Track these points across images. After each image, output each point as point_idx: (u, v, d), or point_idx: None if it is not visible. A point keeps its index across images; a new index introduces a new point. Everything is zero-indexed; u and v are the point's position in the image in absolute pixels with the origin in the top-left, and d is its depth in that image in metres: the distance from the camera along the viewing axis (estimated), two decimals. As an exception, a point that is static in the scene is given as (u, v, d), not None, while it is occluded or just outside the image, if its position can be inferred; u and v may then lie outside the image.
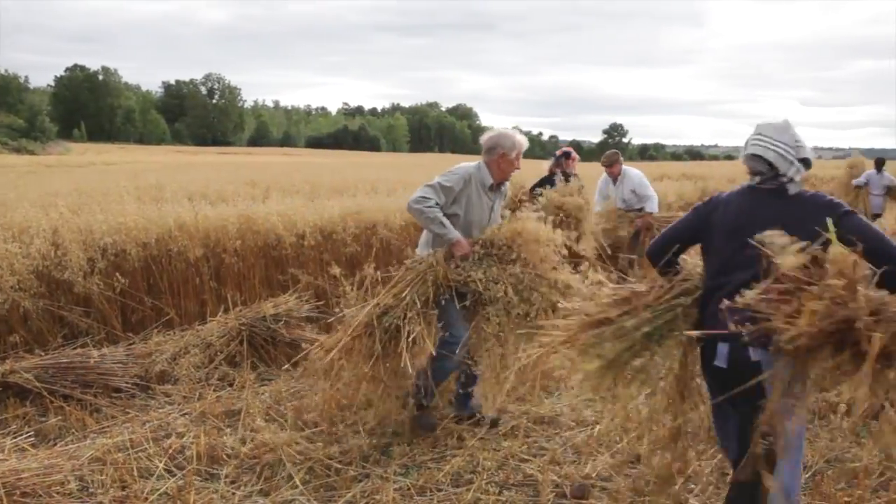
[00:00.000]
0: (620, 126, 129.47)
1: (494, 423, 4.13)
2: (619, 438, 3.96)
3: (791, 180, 2.51)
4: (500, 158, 4.01)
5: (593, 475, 3.54)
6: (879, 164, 11.02)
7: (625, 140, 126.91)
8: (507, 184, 4.25)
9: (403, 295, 3.84)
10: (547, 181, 6.87)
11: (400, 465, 3.66)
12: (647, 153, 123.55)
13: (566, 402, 4.39)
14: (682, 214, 3.06)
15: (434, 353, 3.86)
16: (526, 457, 3.76)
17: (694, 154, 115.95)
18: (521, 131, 4.12)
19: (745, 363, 2.32)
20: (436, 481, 3.48)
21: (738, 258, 2.42)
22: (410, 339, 3.66)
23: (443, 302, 3.88)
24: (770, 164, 2.51)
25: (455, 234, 3.88)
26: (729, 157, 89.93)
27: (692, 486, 3.40)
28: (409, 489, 3.40)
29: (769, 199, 2.52)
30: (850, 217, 2.39)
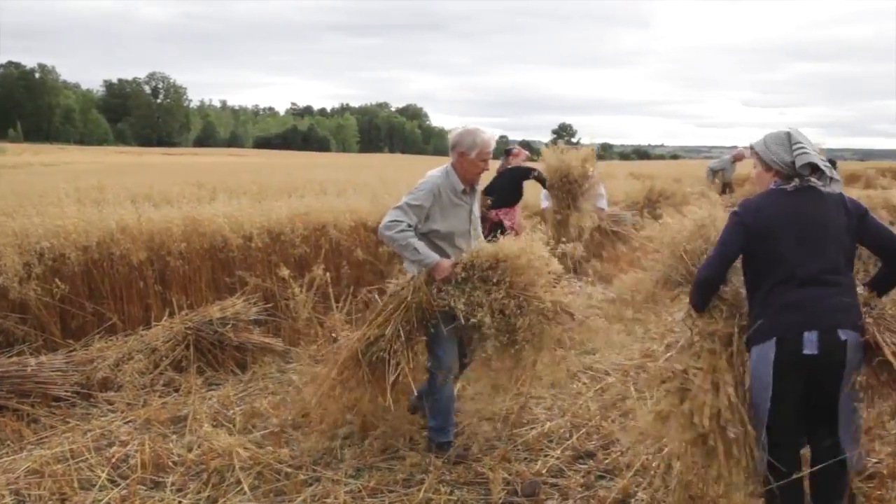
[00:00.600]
0: (569, 126, 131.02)
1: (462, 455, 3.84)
2: (568, 435, 4.01)
3: (832, 180, 2.75)
4: (460, 158, 3.77)
5: (544, 472, 3.58)
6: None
7: (574, 140, 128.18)
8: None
9: (387, 326, 3.61)
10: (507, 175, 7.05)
11: (351, 467, 3.63)
12: (595, 153, 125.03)
13: (516, 401, 4.41)
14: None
15: (426, 385, 3.82)
16: (477, 455, 3.77)
17: (641, 154, 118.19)
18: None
19: (837, 344, 2.57)
20: (387, 482, 3.47)
21: (804, 251, 2.64)
22: (396, 373, 3.52)
23: (432, 330, 3.66)
24: (814, 168, 2.69)
25: (433, 257, 3.59)
26: (675, 157, 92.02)
27: (641, 479, 3.45)
28: (360, 491, 3.38)
29: (813, 198, 2.71)
30: (871, 216, 2.75)
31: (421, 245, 3.61)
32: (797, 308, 2.60)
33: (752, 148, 2.86)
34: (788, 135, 2.73)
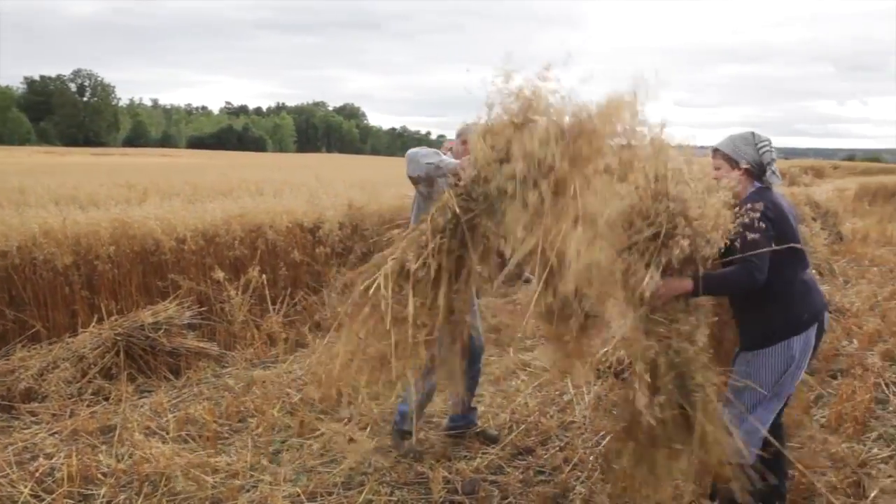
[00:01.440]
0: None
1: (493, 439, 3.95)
2: (507, 431, 4.06)
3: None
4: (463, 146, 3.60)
5: (484, 469, 3.61)
6: None
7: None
8: None
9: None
10: None
11: (290, 471, 3.58)
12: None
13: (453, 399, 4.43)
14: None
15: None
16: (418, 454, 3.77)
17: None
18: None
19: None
20: (327, 485, 3.43)
21: (800, 239, 2.88)
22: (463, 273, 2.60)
23: None
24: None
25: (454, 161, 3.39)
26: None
27: (579, 473, 3.52)
28: (299, 495, 3.34)
29: (779, 194, 2.95)
30: None
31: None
32: (817, 290, 2.90)
33: (715, 149, 2.93)
34: (753, 134, 2.90)
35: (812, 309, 2.82)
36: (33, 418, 4.21)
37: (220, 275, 5.65)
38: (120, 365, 4.79)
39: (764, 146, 2.87)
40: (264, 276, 6.08)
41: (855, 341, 5.56)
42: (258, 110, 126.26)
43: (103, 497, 3.30)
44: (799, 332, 2.77)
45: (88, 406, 4.37)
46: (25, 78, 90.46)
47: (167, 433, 3.99)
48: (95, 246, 5.56)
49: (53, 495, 3.26)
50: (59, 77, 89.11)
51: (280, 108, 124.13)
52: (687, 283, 2.58)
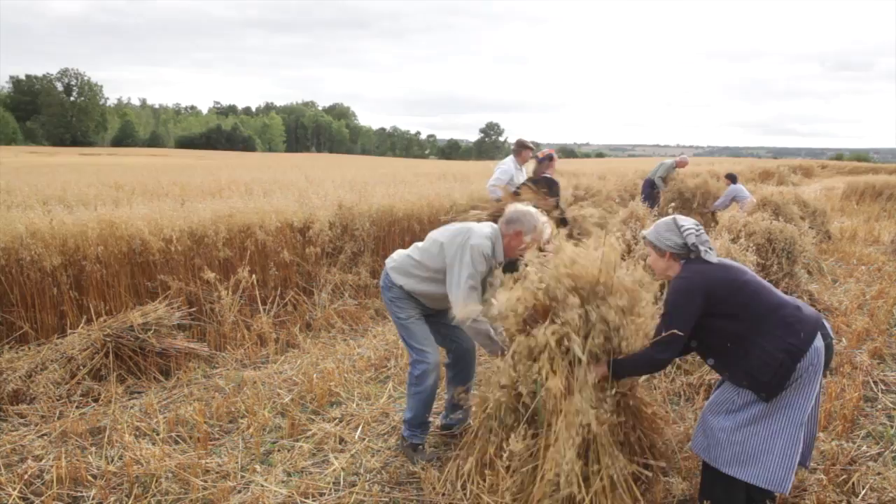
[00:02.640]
0: (497, 125, 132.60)
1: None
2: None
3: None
4: (514, 235, 3.54)
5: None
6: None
7: (501, 138, 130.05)
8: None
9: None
10: (543, 183, 6.88)
11: (281, 471, 3.57)
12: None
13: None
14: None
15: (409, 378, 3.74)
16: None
17: (567, 152, 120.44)
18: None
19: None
20: (318, 486, 3.42)
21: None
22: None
23: (411, 321, 3.66)
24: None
25: (499, 343, 3.41)
26: (600, 155, 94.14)
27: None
28: (291, 496, 3.32)
29: None
30: None
31: (489, 327, 3.45)
32: (799, 307, 2.83)
33: (644, 238, 3.05)
34: (675, 220, 3.00)
35: (807, 327, 2.77)
36: (21, 420, 4.17)
37: (209, 275, 5.63)
38: (109, 366, 4.76)
39: (687, 231, 2.94)
40: (254, 276, 6.06)
41: (844, 340, 5.60)
42: (247, 110, 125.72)
43: (93, 499, 3.27)
44: (804, 352, 2.72)
45: (77, 408, 4.34)
46: (11, 77, 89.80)
47: (157, 434, 3.96)
48: (83, 246, 5.53)
49: (42, 497, 3.23)
50: (45, 76, 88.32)
51: (269, 108, 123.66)
52: (601, 369, 2.91)
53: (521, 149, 7.37)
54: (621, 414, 3.08)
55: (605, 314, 2.96)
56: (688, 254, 2.95)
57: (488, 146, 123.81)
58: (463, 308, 3.38)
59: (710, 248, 2.95)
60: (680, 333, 2.78)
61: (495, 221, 3.74)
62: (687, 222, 2.98)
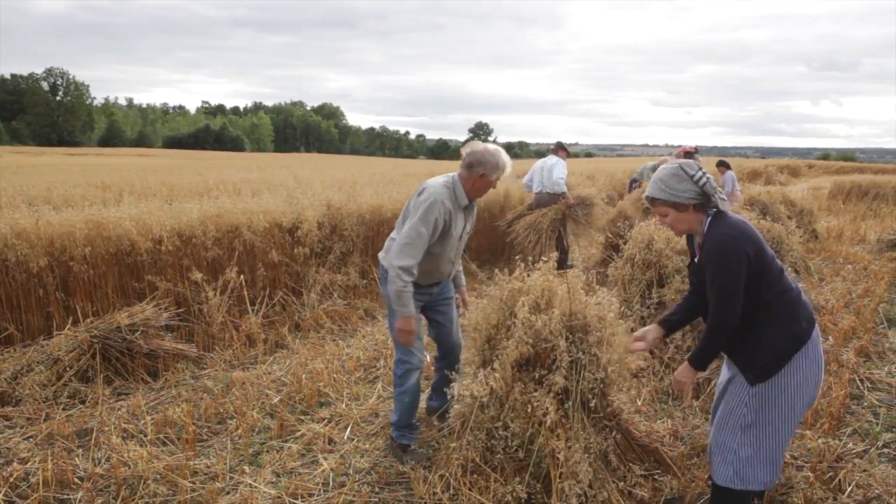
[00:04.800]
0: (486, 125, 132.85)
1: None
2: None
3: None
4: (478, 178, 3.57)
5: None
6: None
7: (490, 138, 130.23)
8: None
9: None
10: None
11: (270, 472, 3.56)
12: (513, 151, 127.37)
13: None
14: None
15: (395, 378, 3.77)
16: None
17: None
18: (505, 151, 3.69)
19: None
20: (308, 487, 3.41)
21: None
22: None
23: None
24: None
25: (411, 310, 3.51)
26: (589, 155, 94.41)
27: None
28: (280, 497, 3.31)
29: None
30: None
31: (409, 299, 3.49)
32: (801, 292, 2.79)
33: (653, 199, 2.78)
34: (681, 167, 2.72)
35: (807, 314, 2.72)
36: (7, 422, 4.13)
37: (197, 276, 5.60)
38: (96, 367, 4.72)
39: (700, 177, 2.71)
40: (242, 276, 6.04)
41: (830, 338, 5.64)
42: (235, 110, 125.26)
43: (80, 501, 3.25)
44: (804, 341, 2.66)
45: (64, 409, 4.31)
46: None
47: (145, 436, 3.94)
48: (70, 247, 5.48)
49: (28, 500, 3.20)
50: (31, 76, 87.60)
51: (258, 108, 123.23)
52: (689, 371, 2.84)
53: (560, 149, 8.99)
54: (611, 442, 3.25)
55: (591, 349, 3.16)
56: (709, 200, 2.72)
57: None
58: (396, 257, 3.45)
59: (723, 196, 2.75)
60: (737, 296, 2.59)
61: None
62: (692, 166, 2.73)
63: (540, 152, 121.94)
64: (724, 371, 2.98)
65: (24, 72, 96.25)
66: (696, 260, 2.91)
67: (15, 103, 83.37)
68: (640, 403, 4.30)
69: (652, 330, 3.15)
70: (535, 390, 3.24)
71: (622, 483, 3.17)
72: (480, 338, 3.57)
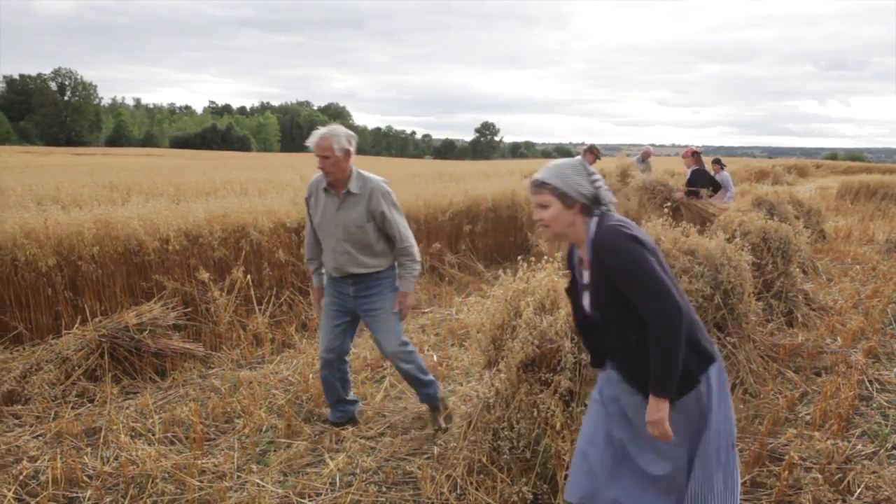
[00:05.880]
0: (492, 125, 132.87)
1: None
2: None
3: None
4: None
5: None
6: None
7: (496, 138, 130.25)
8: (368, 183, 3.74)
9: None
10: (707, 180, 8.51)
11: (277, 471, 3.56)
12: (519, 151, 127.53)
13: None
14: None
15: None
16: (405, 456, 3.76)
17: (563, 152, 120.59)
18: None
19: None
20: (315, 486, 3.42)
21: None
22: None
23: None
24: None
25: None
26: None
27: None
28: (287, 496, 3.32)
29: None
30: None
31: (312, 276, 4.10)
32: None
33: (542, 183, 2.31)
34: (582, 163, 2.37)
35: (703, 331, 2.34)
36: (16, 421, 4.15)
37: (204, 275, 5.62)
38: (104, 366, 4.74)
39: (598, 179, 2.34)
40: (249, 276, 6.05)
41: (839, 339, 5.62)
42: (242, 110, 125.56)
43: (88, 500, 3.26)
44: (713, 359, 2.30)
45: (73, 408, 4.33)
46: (4, 77, 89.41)
47: (153, 435, 3.95)
48: (78, 247, 5.51)
49: (37, 498, 3.22)
50: (39, 76, 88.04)
51: (264, 108, 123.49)
52: (660, 404, 2.19)
53: (588, 152, 9.52)
54: None
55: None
56: (597, 209, 2.32)
57: (484, 146, 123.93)
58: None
59: (613, 211, 2.36)
60: (664, 282, 2.16)
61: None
62: (593, 170, 2.36)
63: (546, 152, 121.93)
64: (602, 390, 2.49)
65: (33, 72, 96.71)
66: (583, 280, 2.40)
67: (23, 103, 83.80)
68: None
69: None
70: (541, 391, 3.25)
71: None
72: (485, 338, 3.59)
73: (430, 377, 4.07)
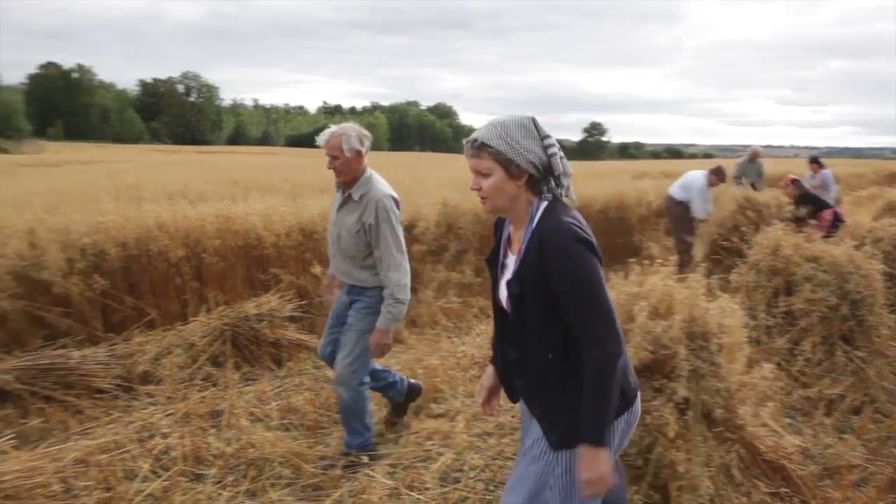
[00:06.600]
0: (600, 125, 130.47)
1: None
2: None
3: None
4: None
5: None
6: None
7: (604, 139, 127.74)
8: (370, 192, 3.53)
9: None
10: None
11: (387, 464, 3.66)
12: (627, 152, 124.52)
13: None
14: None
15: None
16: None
17: (673, 152, 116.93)
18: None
19: None
20: (423, 480, 3.48)
21: None
22: None
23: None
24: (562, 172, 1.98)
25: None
26: (708, 156, 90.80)
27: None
28: (396, 488, 3.40)
29: None
30: None
31: None
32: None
33: (480, 145, 1.90)
34: (534, 121, 1.94)
35: (628, 360, 2.05)
36: (150, 399, 4.47)
37: (318, 269, 5.82)
38: (227, 353, 5.02)
39: (552, 143, 1.93)
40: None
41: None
42: (352, 110, 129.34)
43: (213, 478, 3.47)
44: (631, 402, 2.00)
45: (199, 391, 4.60)
46: (139, 80, 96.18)
47: (271, 420, 4.15)
48: (203, 239, 5.85)
49: (169, 472, 3.45)
50: (169, 79, 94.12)
51: (374, 108, 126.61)
52: (596, 452, 1.84)
53: (712, 174, 8.41)
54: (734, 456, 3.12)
55: (712, 358, 3.07)
56: (547, 183, 1.94)
57: (592, 146, 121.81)
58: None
59: (569, 186, 1.99)
60: (612, 305, 1.86)
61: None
62: (545, 131, 1.95)
63: (656, 153, 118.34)
64: (524, 413, 2.21)
65: (163, 75, 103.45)
66: (506, 262, 2.04)
67: (154, 105, 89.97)
68: (765, 417, 4.10)
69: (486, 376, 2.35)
70: (654, 398, 3.18)
71: (746, 500, 3.05)
72: None
73: (364, 429, 3.72)
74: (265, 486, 3.41)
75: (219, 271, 5.87)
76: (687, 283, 3.45)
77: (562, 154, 1.94)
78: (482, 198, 1.94)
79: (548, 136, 1.91)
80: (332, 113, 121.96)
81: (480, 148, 1.89)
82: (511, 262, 1.98)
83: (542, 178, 1.92)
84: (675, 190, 8.60)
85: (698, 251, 7.90)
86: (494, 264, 2.08)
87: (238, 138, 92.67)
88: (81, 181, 11.84)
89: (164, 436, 3.86)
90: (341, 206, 3.59)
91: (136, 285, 5.55)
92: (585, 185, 11.51)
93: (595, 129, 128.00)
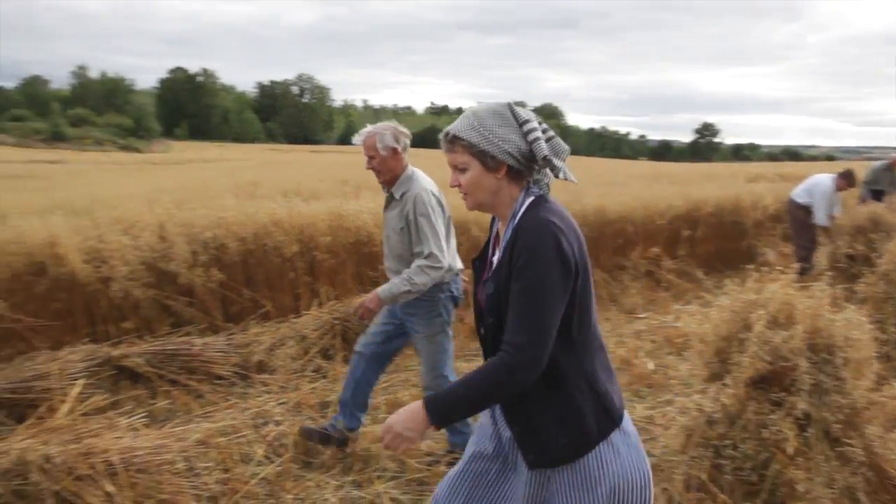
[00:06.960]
0: (712, 125, 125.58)
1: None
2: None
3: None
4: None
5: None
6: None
7: (716, 140, 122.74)
8: (411, 189, 3.43)
9: None
10: None
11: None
12: (741, 153, 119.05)
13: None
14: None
15: None
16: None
17: (791, 154, 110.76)
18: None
19: None
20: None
21: None
22: None
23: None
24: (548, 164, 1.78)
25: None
26: (830, 158, 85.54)
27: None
28: (499, 488, 3.39)
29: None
30: None
31: None
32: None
33: (452, 138, 1.75)
34: (510, 107, 1.75)
35: (615, 380, 1.85)
36: (264, 388, 4.68)
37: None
38: (336, 347, 5.18)
39: (534, 128, 1.72)
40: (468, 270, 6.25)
41: None
42: (459, 110, 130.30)
43: (322, 466, 3.59)
44: (622, 418, 1.80)
45: (309, 382, 4.77)
46: (257, 83, 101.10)
47: (379, 414, 4.25)
48: (315, 236, 6.05)
49: (282, 458, 3.60)
50: (284, 81, 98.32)
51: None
52: (416, 416, 1.68)
53: (841, 178, 7.82)
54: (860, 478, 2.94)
55: (837, 372, 2.91)
56: (532, 174, 1.78)
57: (703, 147, 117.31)
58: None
59: (564, 168, 1.77)
60: (552, 326, 1.64)
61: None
62: (529, 114, 1.75)
63: (772, 154, 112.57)
64: (482, 433, 1.98)
65: (279, 78, 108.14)
66: (493, 259, 1.88)
67: (270, 106, 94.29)
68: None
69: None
70: (772, 412, 3.03)
71: None
72: (709, 350, 3.41)
73: (465, 428, 3.62)
74: (371, 477, 3.49)
75: (330, 267, 6.06)
76: (809, 293, 3.27)
77: (551, 135, 1.76)
78: (463, 194, 1.79)
79: (527, 121, 1.72)
80: (440, 113, 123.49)
81: (453, 141, 1.74)
82: (497, 256, 1.84)
83: (524, 168, 1.75)
84: (797, 193, 8.08)
85: (821, 259, 7.42)
86: (482, 264, 1.93)
87: (348, 138, 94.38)
88: (205, 178, 12.57)
89: (277, 423, 4.03)
90: (387, 205, 3.57)
91: (253, 278, 5.82)
92: (697, 187, 11.10)
93: (707, 130, 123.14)
